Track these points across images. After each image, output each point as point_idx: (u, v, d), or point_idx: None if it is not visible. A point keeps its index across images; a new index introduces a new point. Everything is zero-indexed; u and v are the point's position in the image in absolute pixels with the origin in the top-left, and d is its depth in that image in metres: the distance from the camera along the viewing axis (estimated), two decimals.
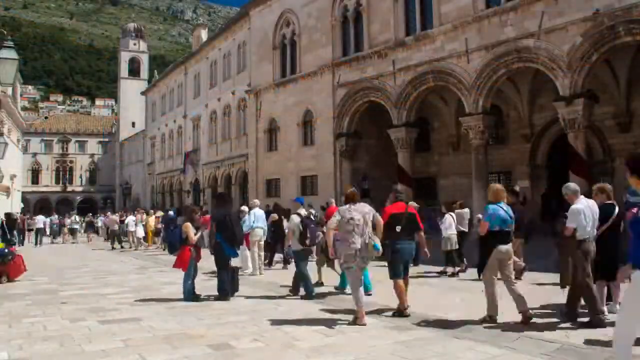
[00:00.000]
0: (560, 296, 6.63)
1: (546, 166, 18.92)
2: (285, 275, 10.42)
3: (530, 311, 6.01)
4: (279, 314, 6.93)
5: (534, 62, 15.22)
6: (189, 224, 8.55)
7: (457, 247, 10.41)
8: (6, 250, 11.43)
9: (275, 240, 12.76)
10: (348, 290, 7.38)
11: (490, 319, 5.99)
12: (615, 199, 6.51)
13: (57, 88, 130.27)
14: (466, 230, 10.98)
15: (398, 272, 6.49)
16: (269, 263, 12.93)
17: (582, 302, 6.03)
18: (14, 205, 31.89)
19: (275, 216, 12.68)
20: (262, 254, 11.89)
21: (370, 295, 7.74)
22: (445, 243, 10.33)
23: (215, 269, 8.79)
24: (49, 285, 10.76)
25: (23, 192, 44.81)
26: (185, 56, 43.06)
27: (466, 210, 11.18)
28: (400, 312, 6.44)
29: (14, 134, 33.28)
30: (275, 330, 6.04)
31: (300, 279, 8.22)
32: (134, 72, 61.52)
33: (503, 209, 6.08)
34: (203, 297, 8.43)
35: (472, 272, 9.62)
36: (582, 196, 6.36)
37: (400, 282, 6.49)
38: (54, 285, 10.84)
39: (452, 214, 10.66)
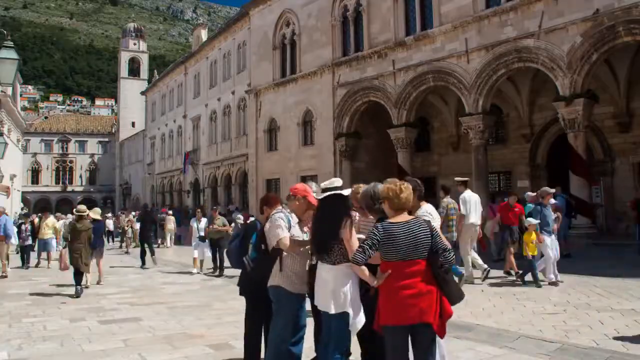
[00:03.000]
0: None
1: (546, 166, 18.90)
2: None
3: None
4: None
5: (534, 62, 15.20)
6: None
7: None
8: None
9: None
10: None
11: None
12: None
13: (57, 88, 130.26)
14: None
15: None
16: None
17: None
18: (14, 205, 31.88)
19: None
20: None
21: None
22: None
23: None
24: (48, 285, 10.76)
25: (23, 192, 44.84)
26: (185, 56, 43.02)
27: None
28: None
29: (14, 134, 33.30)
30: None
31: None
32: (134, 72, 61.49)
33: None
34: None
35: None
36: None
37: None
38: (54, 285, 10.84)
39: None
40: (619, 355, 4.83)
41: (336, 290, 3.72)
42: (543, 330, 5.76)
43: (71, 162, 62.97)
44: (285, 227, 4.17)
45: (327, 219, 3.84)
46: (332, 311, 3.72)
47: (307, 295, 4.28)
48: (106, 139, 64.09)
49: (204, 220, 12.86)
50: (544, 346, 5.14)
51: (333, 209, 3.84)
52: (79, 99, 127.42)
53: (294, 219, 4.32)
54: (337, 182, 3.97)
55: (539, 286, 8.48)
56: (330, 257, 3.80)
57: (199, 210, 13.69)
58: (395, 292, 3.24)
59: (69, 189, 62.40)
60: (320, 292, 3.88)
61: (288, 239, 4.11)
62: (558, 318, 6.37)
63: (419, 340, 3.29)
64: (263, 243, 4.36)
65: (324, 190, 3.95)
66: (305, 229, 4.27)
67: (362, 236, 3.75)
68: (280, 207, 4.46)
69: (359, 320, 3.76)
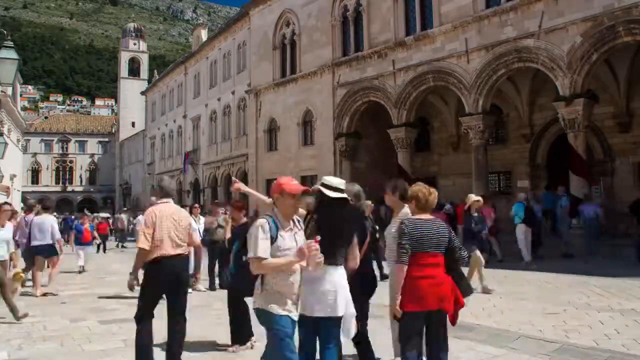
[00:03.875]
0: None
1: (546, 166, 18.90)
2: None
3: None
4: None
5: (534, 62, 15.19)
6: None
7: None
8: None
9: None
10: None
11: None
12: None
13: (57, 88, 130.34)
14: None
15: None
16: None
17: None
18: (14, 206, 31.83)
19: None
20: None
21: None
22: None
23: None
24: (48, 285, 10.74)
25: (23, 192, 44.81)
26: (185, 56, 43.00)
27: None
28: None
29: (14, 134, 33.29)
30: None
31: None
32: (134, 72, 61.50)
33: None
34: None
35: None
36: None
37: None
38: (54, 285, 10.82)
39: None
40: (619, 355, 4.83)
41: (342, 291, 3.57)
42: (543, 330, 5.76)
43: (71, 162, 62.99)
44: (265, 240, 3.28)
45: (341, 228, 3.66)
46: (340, 313, 3.52)
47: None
48: (106, 139, 64.10)
49: (202, 220, 10.68)
50: (544, 346, 5.14)
51: (349, 219, 3.76)
52: (79, 99, 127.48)
53: (285, 224, 3.42)
54: (340, 182, 3.78)
55: None
56: (336, 259, 3.61)
57: (197, 206, 11.33)
58: (419, 281, 3.63)
59: (69, 189, 62.41)
60: (321, 297, 3.51)
61: (258, 262, 3.25)
62: (558, 318, 6.37)
63: (435, 325, 3.72)
64: (244, 254, 3.52)
65: (335, 189, 3.67)
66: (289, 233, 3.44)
67: None
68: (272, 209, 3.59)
69: (354, 323, 3.65)
